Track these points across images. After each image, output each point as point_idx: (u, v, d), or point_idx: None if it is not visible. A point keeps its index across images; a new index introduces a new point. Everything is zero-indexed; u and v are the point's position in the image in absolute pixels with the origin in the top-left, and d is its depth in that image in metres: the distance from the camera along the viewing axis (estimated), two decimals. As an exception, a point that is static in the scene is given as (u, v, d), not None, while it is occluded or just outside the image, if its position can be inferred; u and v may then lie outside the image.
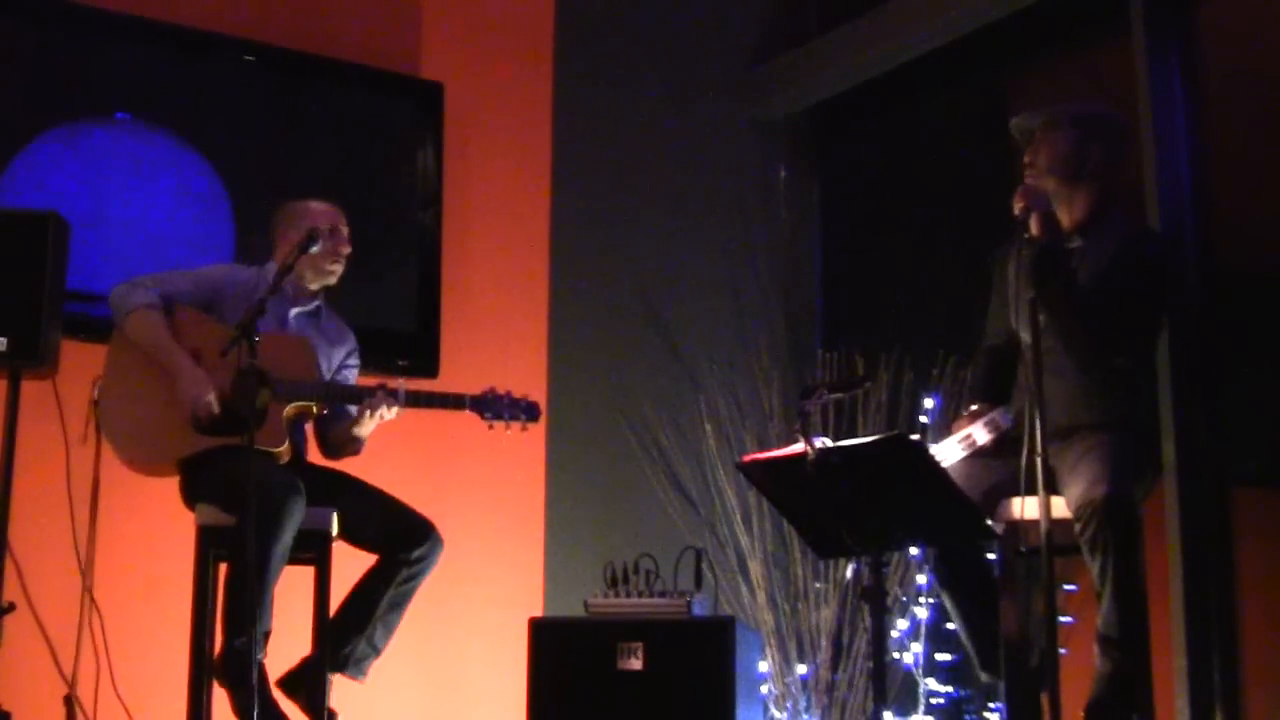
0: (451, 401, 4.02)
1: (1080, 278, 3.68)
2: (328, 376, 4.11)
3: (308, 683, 3.83)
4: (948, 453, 3.71)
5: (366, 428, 3.95)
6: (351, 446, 4.07)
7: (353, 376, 4.22)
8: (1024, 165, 3.81)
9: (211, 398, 3.82)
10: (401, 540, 3.93)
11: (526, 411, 4.05)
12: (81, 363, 4.16)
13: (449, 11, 5.48)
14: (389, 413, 3.92)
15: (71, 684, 4.21)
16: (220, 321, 3.96)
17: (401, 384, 3.96)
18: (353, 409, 3.99)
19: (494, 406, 4.02)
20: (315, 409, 3.99)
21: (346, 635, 3.91)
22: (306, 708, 3.82)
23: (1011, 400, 3.88)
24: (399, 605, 3.96)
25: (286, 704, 3.80)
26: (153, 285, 3.97)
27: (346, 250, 4.13)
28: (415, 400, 3.96)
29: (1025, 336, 3.71)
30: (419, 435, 5.03)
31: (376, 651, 3.96)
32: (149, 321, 3.92)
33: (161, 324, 3.92)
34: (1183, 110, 4.67)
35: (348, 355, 4.22)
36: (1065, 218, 3.77)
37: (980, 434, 3.78)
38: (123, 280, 4.00)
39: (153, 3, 4.90)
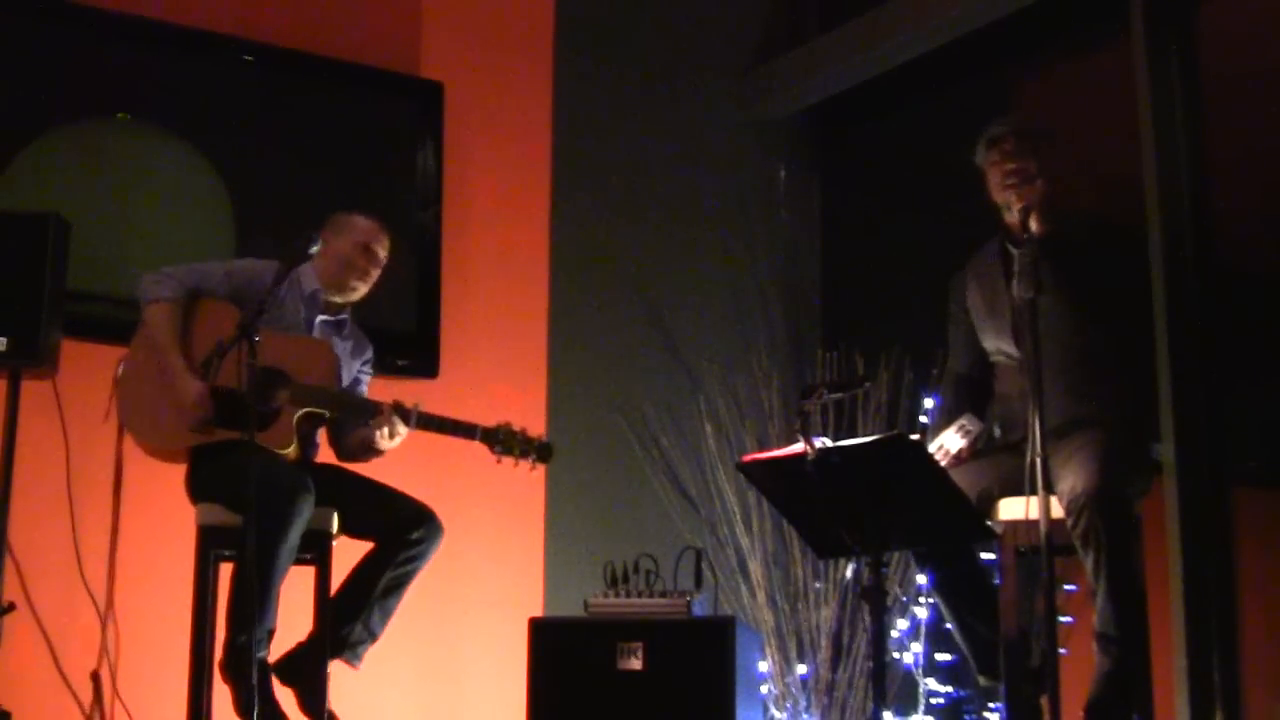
0: (463, 430, 3.98)
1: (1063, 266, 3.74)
2: (345, 384, 4.13)
3: (307, 681, 3.83)
4: None
5: (384, 445, 3.95)
6: (366, 456, 4.08)
7: (365, 380, 4.24)
8: (1011, 172, 3.85)
9: (202, 411, 3.81)
10: (400, 525, 3.93)
11: (538, 451, 4.01)
12: (81, 363, 4.17)
13: (449, 11, 5.48)
14: (401, 431, 3.91)
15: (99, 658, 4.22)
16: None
17: (416, 405, 3.94)
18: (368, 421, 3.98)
19: (505, 441, 3.98)
20: (328, 416, 3.99)
21: (343, 618, 3.91)
22: (305, 704, 3.82)
23: (988, 414, 3.91)
24: (396, 589, 3.95)
25: (288, 700, 3.81)
26: (183, 278, 3.99)
27: (375, 271, 4.14)
28: (426, 423, 3.95)
29: (1008, 343, 3.76)
30: (419, 435, 5.02)
31: (372, 637, 3.95)
32: (160, 317, 3.94)
33: (170, 324, 3.93)
34: (1183, 110, 4.67)
35: (364, 363, 4.25)
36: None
37: (952, 441, 3.82)
38: (149, 272, 4.01)
39: (153, 3, 4.90)
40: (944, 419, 4.01)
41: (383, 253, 4.17)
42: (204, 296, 3.99)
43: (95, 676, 4.18)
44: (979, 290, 3.97)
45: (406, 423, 3.91)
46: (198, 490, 3.90)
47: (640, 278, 5.65)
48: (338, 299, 4.15)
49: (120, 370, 3.99)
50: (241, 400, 3.78)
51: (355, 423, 4.05)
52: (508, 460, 3.99)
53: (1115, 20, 4.83)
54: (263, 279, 4.03)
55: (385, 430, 3.90)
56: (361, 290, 4.16)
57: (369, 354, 4.27)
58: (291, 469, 3.82)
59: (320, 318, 4.12)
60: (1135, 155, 4.62)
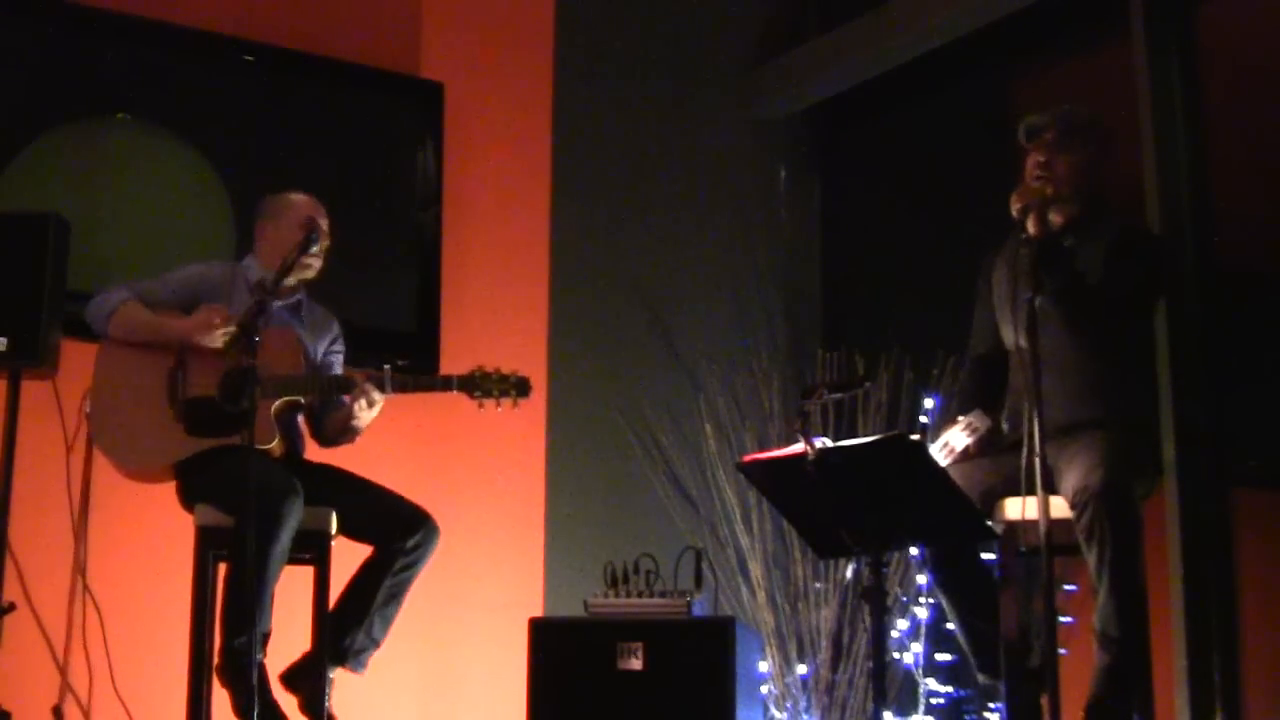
0: (439, 384, 3.98)
1: (1078, 272, 3.70)
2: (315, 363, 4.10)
3: (308, 682, 3.83)
4: None
5: (363, 418, 3.93)
6: (347, 436, 4.04)
7: (338, 362, 4.19)
8: (1035, 165, 3.81)
9: (221, 317, 3.78)
10: (397, 530, 3.91)
11: (517, 387, 3.96)
12: (81, 363, 4.16)
13: (449, 11, 5.48)
14: (377, 399, 3.90)
15: (61, 693, 4.21)
16: None
17: (387, 371, 3.92)
18: (344, 397, 3.97)
19: (482, 385, 3.94)
20: (304, 401, 3.98)
21: (345, 628, 3.89)
22: (306, 706, 3.82)
23: (1003, 404, 3.89)
24: (396, 595, 3.94)
25: (288, 701, 3.81)
26: (127, 286, 3.99)
27: (325, 243, 4.07)
28: (402, 385, 3.93)
29: (1019, 339, 3.72)
30: (419, 436, 5.03)
31: (375, 643, 3.95)
32: (132, 313, 3.93)
33: (144, 311, 3.93)
34: (1183, 110, 4.67)
35: (332, 342, 4.20)
36: (1059, 217, 3.78)
37: (958, 439, 3.81)
38: (94, 298, 4.00)
39: (153, 3, 4.90)
40: (962, 402, 3.98)
41: (325, 224, 4.08)
42: (151, 307, 3.96)
43: (56, 710, 4.18)
44: (1005, 277, 3.91)
45: (381, 389, 3.88)
46: (191, 499, 3.89)
47: (640, 278, 5.65)
48: (292, 280, 4.05)
49: (88, 406, 3.98)
50: (216, 407, 3.78)
51: (332, 405, 4.02)
52: (490, 404, 3.94)
53: (1115, 20, 4.84)
54: (206, 281, 4.03)
55: (363, 401, 3.87)
56: (315, 266, 4.06)
57: (336, 331, 4.20)
58: (279, 470, 3.81)
59: (275, 305, 4.03)
60: (1135, 155, 4.62)
